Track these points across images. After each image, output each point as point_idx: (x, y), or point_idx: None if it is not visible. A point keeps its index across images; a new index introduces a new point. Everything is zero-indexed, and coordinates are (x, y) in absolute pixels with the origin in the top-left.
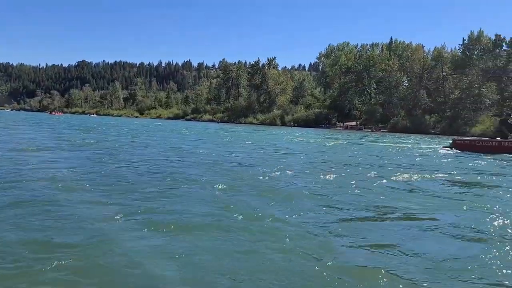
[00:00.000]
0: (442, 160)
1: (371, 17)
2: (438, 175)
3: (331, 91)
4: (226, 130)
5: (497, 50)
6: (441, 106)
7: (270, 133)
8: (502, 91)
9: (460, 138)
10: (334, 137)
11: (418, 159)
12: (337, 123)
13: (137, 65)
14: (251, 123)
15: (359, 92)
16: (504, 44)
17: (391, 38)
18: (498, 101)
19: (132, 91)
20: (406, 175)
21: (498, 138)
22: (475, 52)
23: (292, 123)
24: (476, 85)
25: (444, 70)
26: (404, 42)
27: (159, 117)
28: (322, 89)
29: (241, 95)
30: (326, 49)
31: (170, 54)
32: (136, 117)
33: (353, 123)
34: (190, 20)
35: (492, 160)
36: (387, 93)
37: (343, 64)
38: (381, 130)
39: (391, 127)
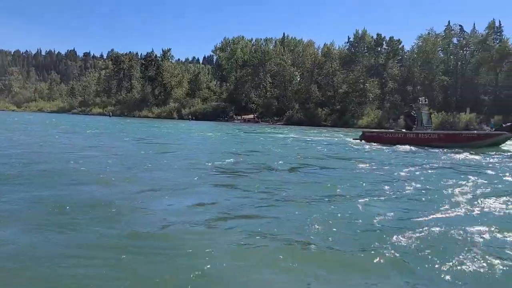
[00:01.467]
0: (357, 151)
1: (265, 11)
2: (357, 163)
3: (227, 84)
4: (120, 123)
5: (379, 48)
6: (331, 100)
7: (173, 128)
8: (382, 86)
9: (368, 130)
10: (235, 130)
11: (335, 148)
12: (234, 116)
13: (12, 52)
14: (146, 116)
15: (255, 86)
16: (384, 43)
17: (284, 34)
18: (379, 96)
19: (6, 82)
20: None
21: (403, 130)
22: (360, 50)
23: (190, 116)
24: (361, 80)
25: (333, 65)
26: (295, 38)
27: (40, 110)
28: (218, 82)
29: (134, 87)
30: (222, 42)
31: (52, 42)
32: (13, 110)
33: (251, 116)
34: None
35: (397, 150)
36: (281, 87)
37: (239, 57)
38: (277, 123)
39: (287, 120)
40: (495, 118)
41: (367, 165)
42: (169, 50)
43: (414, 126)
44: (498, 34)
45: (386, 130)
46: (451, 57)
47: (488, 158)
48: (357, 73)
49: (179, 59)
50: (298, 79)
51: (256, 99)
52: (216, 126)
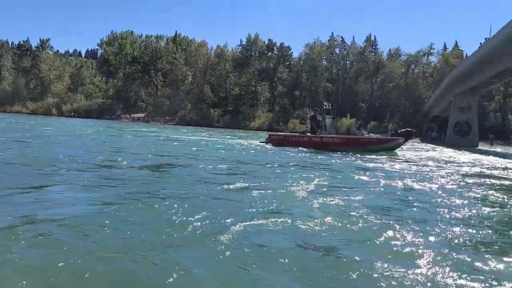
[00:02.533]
0: (264, 154)
1: (154, 9)
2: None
3: (115, 80)
4: None
5: (270, 53)
6: (223, 101)
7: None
8: (273, 89)
9: (274, 133)
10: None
11: (245, 152)
12: (122, 114)
13: None
14: (19, 112)
15: (146, 84)
16: (275, 48)
17: (176, 32)
18: (270, 99)
19: None
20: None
21: (308, 134)
22: (253, 53)
23: (72, 113)
24: (253, 83)
25: (226, 67)
26: (187, 37)
27: None
28: (104, 78)
29: (4, 78)
30: (109, 36)
31: None
32: None
33: (141, 115)
34: None
35: (302, 153)
36: (173, 86)
37: (129, 53)
38: (169, 123)
39: (180, 120)
40: (371, 123)
41: (272, 166)
42: (48, 40)
43: (319, 130)
44: (374, 47)
45: (292, 133)
46: (334, 66)
47: (385, 161)
48: (249, 76)
49: (58, 51)
50: (191, 79)
51: (146, 98)
52: (103, 124)
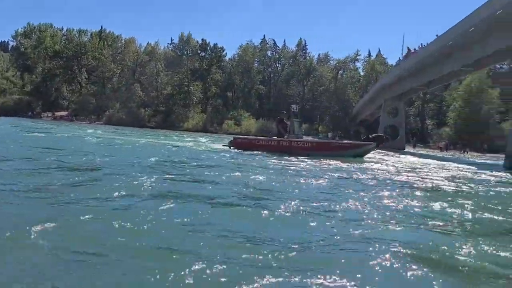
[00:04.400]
0: (229, 158)
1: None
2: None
3: (33, 76)
4: None
5: (203, 53)
6: (154, 101)
7: None
8: (206, 90)
9: (239, 136)
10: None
11: (206, 156)
12: (43, 112)
13: None
14: None
15: (68, 80)
16: (208, 48)
17: (101, 27)
18: (202, 100)
19: None
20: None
21: (275, 138)
22: (185, 53)
23: None
24: (186, 83)
25: (157, 66)
26: (114, 33)
27: None
28: (19, 72)
29: None
30: (25, 27)
31: None
32: None
33: (64, 113)
34: None
35: (271, 158)
36: (100, 83)
37: (49, 47)
38: (96, 122)
39: (107, 120)
40: (303, 126)
41: (239, 173)
42: None
43: (287, 134)
44: (304, 51)
45: (258, 137)
46: (267, 68)
47: (356, 165)
48: (181, 76)
49: None
50: (118, 77)
51: (69, 95)
52: (19, 123)
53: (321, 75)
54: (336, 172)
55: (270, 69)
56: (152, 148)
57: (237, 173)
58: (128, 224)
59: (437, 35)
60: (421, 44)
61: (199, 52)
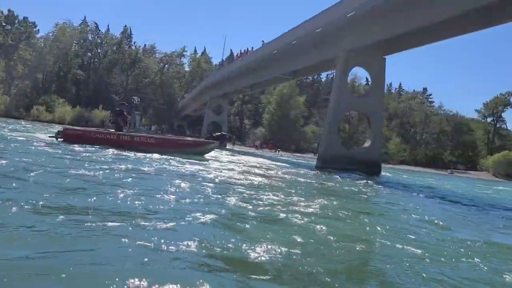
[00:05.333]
0: (54, 154)
1: None
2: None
3: None
4: None
5: (9, 27)
6: None
7: None
8: (10, 69)
9: (71, 127)
10: None
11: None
12: None
13: None
14: None
15: None
16: (17, 22)
17: None
18: (5, 80)
19: None
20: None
21: (112, 131)
22: None
23: None
24: None
25: None
26: None
27: None
28: None
29: None
30: None
31: None
32: None
33: None
34: None
35: (108, 153)
36: None
37: None
38: None
39: None
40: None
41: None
42: None
43: (126, 127)
44: (129, 40)
45: (95, 129)
46: (86, 53)
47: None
48: None
49: None
50: None
51: None
52: None
53: (147, 66)
54: (182, 169)
55: (90, 54)
56: None
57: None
58: None
59: (263, 41)
60: (248, 48)
61: (3, 24)
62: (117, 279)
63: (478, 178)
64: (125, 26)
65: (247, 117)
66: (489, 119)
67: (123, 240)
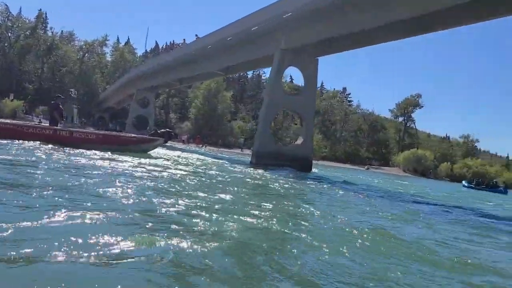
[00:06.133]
0: None
1: None
2: None
3: None
4: None
5: None
6: None
7: None
8: None
9: (1, 121)
10: None
11: None
12: None
13: None
14: None
15: None
16: None
17: None
18: None
19: None
20: None
21: (47, 125)
22: None
23: None
24: None
25: None
26: None
27: None
28: None
29: None
30: None
31: None
32: None
33: None
34: None
35: (43, 150)
36: None
37: None
38: None
39: None
40: (40, 108)
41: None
42: None
43: (63, 121)
44: (45, 25)
45: (28, 123)
46: None
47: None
48: None
49: None
50: None
51: None
52: None
53: (65, 54)
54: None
55: None
56: None
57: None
58: None
59: (196, 36)
60: (173, 40)
61: None
62: None
63: (391, 174)
64: (40, 10)
65: (173, 111)
66: (400, 119)
67: None
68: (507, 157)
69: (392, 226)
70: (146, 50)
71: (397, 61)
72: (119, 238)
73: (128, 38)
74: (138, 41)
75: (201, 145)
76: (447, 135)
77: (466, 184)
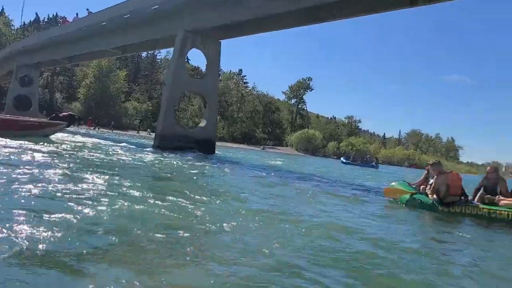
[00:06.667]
0: None
1: None
2: None
3: None
4: None
5: None
6: None
7: None
8: None
9: None
10: None
11: None
12: None
13: None
14: None
15: None
16: None
17: None
18: None
19: None
20: None
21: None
22: None
23: None
24: None
25: None
26: None
27: None
28: None
29: None
30: None
31: None
32: None
33: None
34: None
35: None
36: None
37: None
38: None
39: None
40: None
41: None
42: None
43: None
44: None
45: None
46: None
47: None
48: None
49: None
50: None
51: None
52: None
53: None
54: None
55: None
56: None
57: None
58: None
59: (88, 10)
60: (57, 13)
61: None
62: None
63: (285, 153)
64: None
65: (59, 91)
66: (293, 101)
67: None
68: (384, 135)
69: (278, 203)
70: (24, 22)
71: (294, 47)
72: None
73: (3, 8)
74: (13, 12)
75: (92, 127)
76: (334, 116)
77: (344, 160)
